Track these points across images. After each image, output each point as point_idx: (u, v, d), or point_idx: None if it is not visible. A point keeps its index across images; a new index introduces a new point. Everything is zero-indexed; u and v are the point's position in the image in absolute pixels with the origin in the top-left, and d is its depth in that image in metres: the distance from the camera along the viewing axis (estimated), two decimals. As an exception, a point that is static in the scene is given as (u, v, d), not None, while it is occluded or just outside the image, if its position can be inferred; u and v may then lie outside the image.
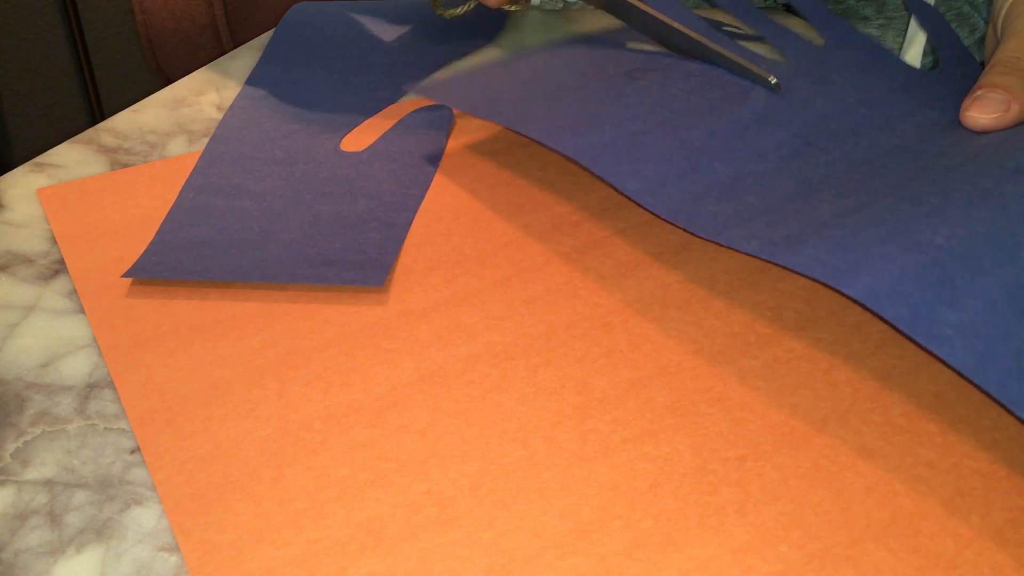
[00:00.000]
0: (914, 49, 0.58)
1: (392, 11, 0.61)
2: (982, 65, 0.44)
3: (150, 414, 0.33)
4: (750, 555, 0.28)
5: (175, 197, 0.43)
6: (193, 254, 0.39)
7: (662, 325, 0.37)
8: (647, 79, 0.45)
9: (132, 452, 0.32)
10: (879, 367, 0.35)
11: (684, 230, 0.40)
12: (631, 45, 0.51)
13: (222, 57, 0.57)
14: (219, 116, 0.50)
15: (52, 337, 0.36)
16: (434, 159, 0.47)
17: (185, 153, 0.47)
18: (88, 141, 0.48)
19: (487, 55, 0.57)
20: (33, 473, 0.31)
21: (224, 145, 0.47)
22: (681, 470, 0.31)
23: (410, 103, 0.52)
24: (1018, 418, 0.32)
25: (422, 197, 0.44)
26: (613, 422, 0.33)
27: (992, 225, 0.34)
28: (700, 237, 0.40)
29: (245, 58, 0.56)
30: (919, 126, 0.43)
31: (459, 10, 0.57)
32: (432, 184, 0.45)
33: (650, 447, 0.32)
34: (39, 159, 0.47)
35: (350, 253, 0.40)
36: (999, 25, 0.46)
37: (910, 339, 0.36)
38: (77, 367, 0.35)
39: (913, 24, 0.58)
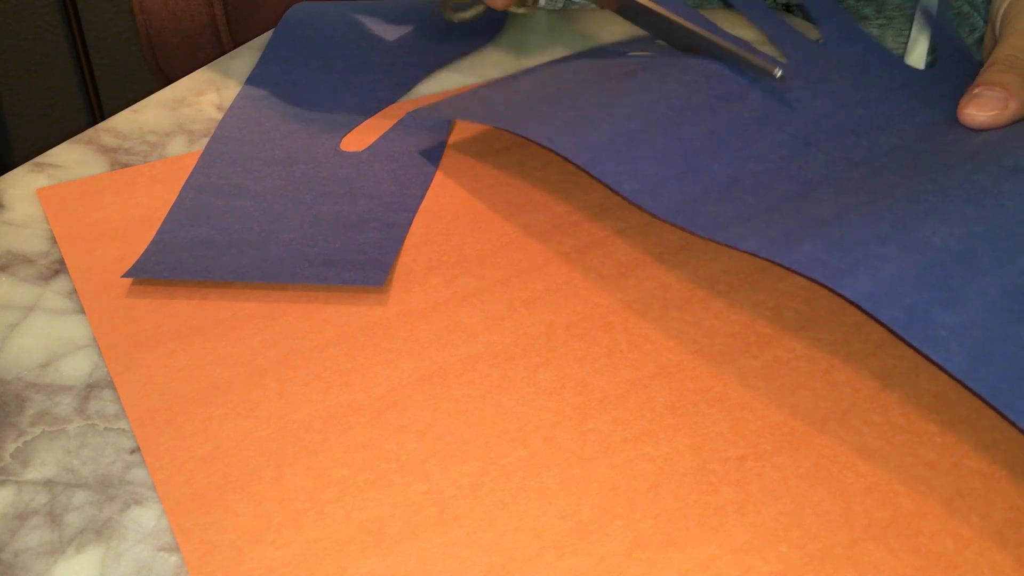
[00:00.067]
0: (918, 51, 0.58)
1: (392, 11, 0.61)
2: (981, 65, 0.44)
3: (150, 414, 0.33)
4: (750, 555, 0.28)
5: (175, 197, 0.43)
6: (193, 254, 0.39)
7: (662, 325, 0.37)
8: (646, 75, 0.45)
9: (132, 452, 0.32)
10: (879, 367, 0.35)
11: (683, 229, 0.40)
12: (634, 55, 0.51)
13: (222, 57, 0.57)
14: (219, 116, 0.50)
15: (52, 337, 0.36)
16: (434, 159, 0.47)
17: (185, 153, 0.47)
18: (88, 141, 0.48)
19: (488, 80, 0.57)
20: (33, 473, 0.31)
21: (224, 145, 0.47)
22: (681, 470, 0.31)
23: (410, 103, 0.52)
24: (1011, 422, 0.32)
25: (422, 197, 0.44)
26: (613, 422, 0.33)
27: (990, 224, 0.34)
28: (699, 235, 0.40)
29: (245, 58, 0.56)
30: (918, 125, 0.43)
31: (468, 14, 0.57)
32: (432, 184, 0.45)
33: (650, 447, 0.32)
34: (39, 159, 0.47)
35: (350, 253, 0.40)
36: (998, 24, 0.46)
37: (905, 342, 0.36)
38: (77, 367, 0.35)
39: (916, 25, 0.58)
